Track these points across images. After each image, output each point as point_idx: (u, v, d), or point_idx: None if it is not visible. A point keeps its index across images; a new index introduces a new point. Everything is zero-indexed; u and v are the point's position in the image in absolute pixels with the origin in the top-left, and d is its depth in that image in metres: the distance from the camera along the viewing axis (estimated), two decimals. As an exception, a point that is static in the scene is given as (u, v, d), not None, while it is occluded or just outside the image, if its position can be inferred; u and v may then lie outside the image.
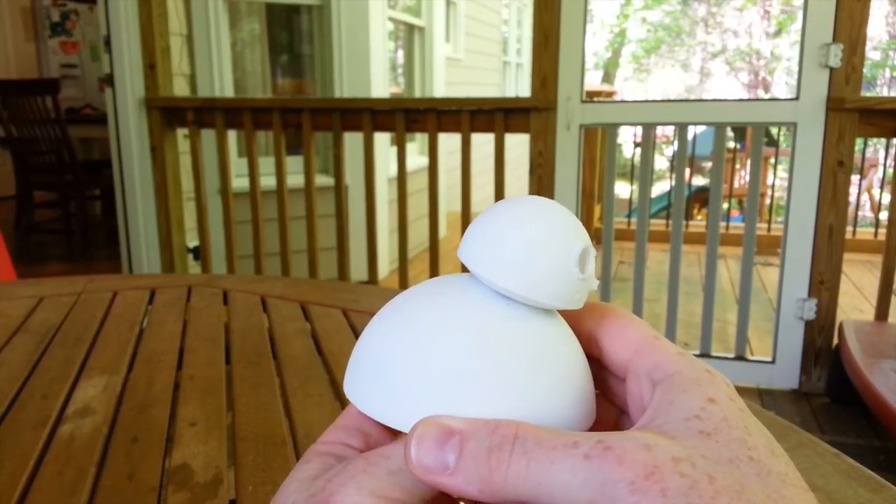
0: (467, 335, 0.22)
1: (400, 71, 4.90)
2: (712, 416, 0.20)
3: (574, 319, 0.25)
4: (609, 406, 0.27)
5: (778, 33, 14.53)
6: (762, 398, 2.37)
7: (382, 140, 3.68)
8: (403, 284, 2.69)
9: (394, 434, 0.24)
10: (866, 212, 6.54)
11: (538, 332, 0.23)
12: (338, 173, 2.65)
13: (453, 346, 0.22)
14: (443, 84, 4.92)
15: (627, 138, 6.92)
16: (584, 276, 0.23)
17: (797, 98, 2.24)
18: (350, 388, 0.24)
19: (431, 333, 0.23)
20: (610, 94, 9.46)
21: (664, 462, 0.18)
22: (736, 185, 6.40)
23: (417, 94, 4.72)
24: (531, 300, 0.23)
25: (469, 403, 0.21)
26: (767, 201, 5.73)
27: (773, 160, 5.56)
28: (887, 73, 13.61)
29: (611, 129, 2.48)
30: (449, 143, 4.08)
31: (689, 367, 0.22)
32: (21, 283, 1.00)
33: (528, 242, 0.23)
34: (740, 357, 2.46)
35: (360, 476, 0.21)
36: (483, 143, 3.28)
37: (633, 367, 0.24)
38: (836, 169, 2.23)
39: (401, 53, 4.84)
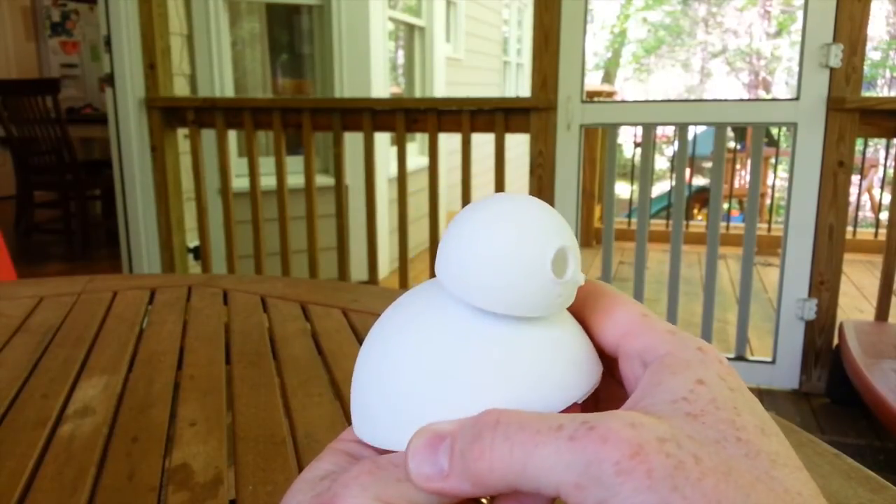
0: (447, 351, 0.22)
1: (400, 71, 4.90)
2: (700, 398, 0.20)
3: None
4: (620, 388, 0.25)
5: (778, 33, 14.53)
6: (762, 398, 2.37)
7: (382, 140, 3.67)
8: (403, 284, 2.69)
9: None
10: (866, 212, 6.54)
11: (522, 336, 0.22)
12: (338, 173, 2.65)
13: (435, 365, 0.22)
14: (443, 84, 4.92)
15: (627, 138, 6.92)
16: (565, 279, 0.22)
17: (797, 98, 2.24)
18: (357, 426, 0.24)
19: (413, 355, 0.22)
20: (610, 94, 9.47)
21: (649, 441, 0.18)
22: (736, 185, 6.41)
23: (417, 94, 4.72)
24: (506, 314, 0.22)
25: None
26: (768, 201, 5.73)
27: (773, 160, 5.56)
28: (887, 73, 13.61)
29: (611, 130, 2.48)
30: (449, 143, 4.08)
31: (679, 348, 0.22)
32: (21, 283, 1.00)
33: (492, 256, 0.21)
34: (740, 357, 2.46)
35: (364, 478, 0.20)
36: (483, 143, 3.28)
37: (624, 350, 0.23)
38: (837, 169, 2.23)
39: (401, 53, 4.84)
